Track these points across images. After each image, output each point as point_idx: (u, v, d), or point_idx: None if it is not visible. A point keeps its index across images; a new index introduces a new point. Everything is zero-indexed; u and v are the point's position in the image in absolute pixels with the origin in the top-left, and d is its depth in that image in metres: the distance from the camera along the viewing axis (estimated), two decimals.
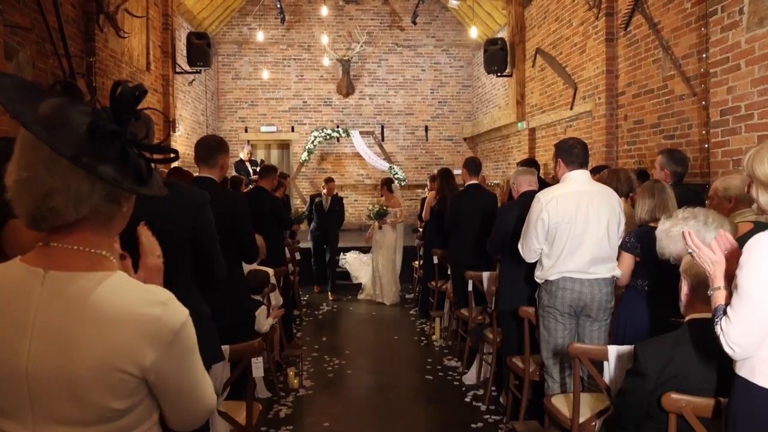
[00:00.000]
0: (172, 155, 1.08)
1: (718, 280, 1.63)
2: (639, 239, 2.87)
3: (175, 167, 3.81)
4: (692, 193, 3.60)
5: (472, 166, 5.14)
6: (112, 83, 1.00)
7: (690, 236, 1.68)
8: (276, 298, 4.28)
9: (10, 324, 0.96)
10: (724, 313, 1.57)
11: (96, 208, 0.98)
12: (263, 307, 3.66)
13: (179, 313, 1.02)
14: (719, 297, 1.62)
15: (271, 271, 4.18)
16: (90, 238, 1.00)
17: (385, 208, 7.37)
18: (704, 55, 4.37)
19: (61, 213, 0.95)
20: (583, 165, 3.05)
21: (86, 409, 0.96)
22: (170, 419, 1.08)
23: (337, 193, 8.01)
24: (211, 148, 2.84)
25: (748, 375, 1.56)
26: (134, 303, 0.99)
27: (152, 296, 1.01)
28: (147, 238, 1.27)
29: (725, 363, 1.70)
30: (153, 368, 0.98)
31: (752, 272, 1.50)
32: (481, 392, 4.18)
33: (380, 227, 7.38)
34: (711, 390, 1.84)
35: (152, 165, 1.04)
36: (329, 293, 7.72)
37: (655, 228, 2.80)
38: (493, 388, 4.01)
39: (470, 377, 4.45)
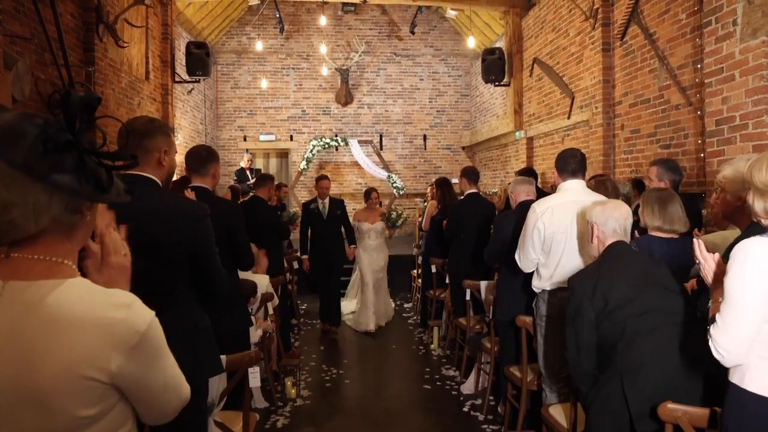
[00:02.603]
0: (131, 161, 1.08)
1: (718, 293, 1.65)
2: (641, 248, 2.87)
3: (183, 177, 3.80)
4: (689, 202, 3.61)
5: (472, 175, 5.17)
6: (63, 92, 0.98)
7: (699, 247, 1.71)
8: (272, 305, 4.29)
9: None
10: (714, 320, 1.60)
11: (56, 219, 0.97)
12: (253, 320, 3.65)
13: (144, 314, 1.01)
14: (715, 309, 1.64)
15: (266, 279, 4.18)
16: (51, 248, 1.00)
17: (401, 213, 6.79)
18: (699, 66, 4.41)
19: (20, 226, 0.95)
20: (578, 175, 3.06)
21: (54, 419, 0.94)
22: (143, 416, 1.07)
23: (341, 199, 6.52)
24: (201, 158, 2.87)
25: (739, 381, 1.59)
26: (96, 307, 0.97)
27: (115, 299, 1.00)
28: (109, 238, 1.24)
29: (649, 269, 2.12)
30: (120, 373, 0.97)
31: (736, 277, 1.54)
32: (479, 402, 4.17)
33: (390, 236, 6.85)
34: (638, 298, 2.08)
35: (113, 172, 1.04)
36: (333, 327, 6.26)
37: (658, 237, 2.81)
38: (491, 398, 3.99)
39: (468, 387, 4.44)
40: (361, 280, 6.61)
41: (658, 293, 2.10)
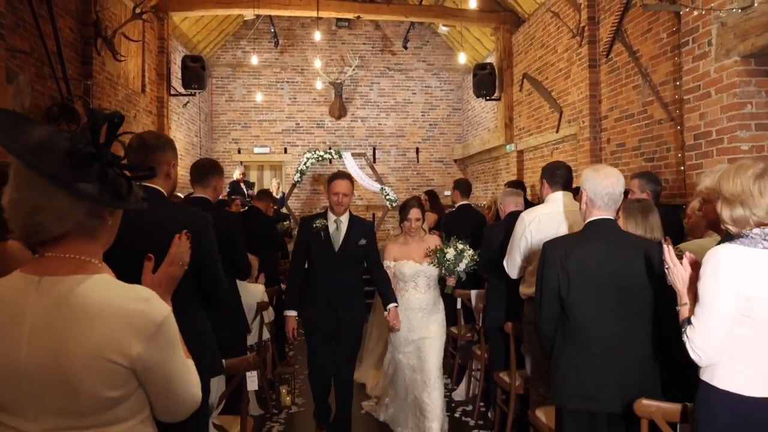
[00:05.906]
0: (148, 173, 1.24)
1: (686, 297, 1.78)
2: None
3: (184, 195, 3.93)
4: (670, 212, 3.75)
5: (465, 187, 5.31)
6: (90, 111, 1.14)
7: (669, 251, 1.82)
8: (268, 316, 4.38)
9: (9, 327, 1.08)
10: (689, 322, 1.71)
11: (80, 222, 1.11)
12: None
13: (161, 308, 1.14)
14: (686, 312, 1.76)
15: (261, 288, 4.27)
16: (79, 248, 1.13)
17: (462, 249, 3.57)
18: (679, 83, 4.59)
19: (46, 227, 1.09)
20: (565, 186, 3.19)
21: (82, 399, 1.06)
22: (157, 409, 1.18)
23: (370, 221, 3.68)
24: (205, 170, 3.01)
25: (709, 379, 1.71)
26: (119, 299, 1.10)
27: (135, 293, 1.13)
28: (178, 247, 1.41)
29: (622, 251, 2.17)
30: (139, 359, 1.09)
31: (709, 282, 1.66)
32: (470, 408, 4.26)
33: (449, 288, 3.66)
34: (608, 271, 2.17)
35: (132, 182, 1.18)
36: None
37: None
38: (482, 404, 4.08)
39: (459, 393, 4.53)
40: (392, 364, 3.89)
41: (621, 287, 2.17)
